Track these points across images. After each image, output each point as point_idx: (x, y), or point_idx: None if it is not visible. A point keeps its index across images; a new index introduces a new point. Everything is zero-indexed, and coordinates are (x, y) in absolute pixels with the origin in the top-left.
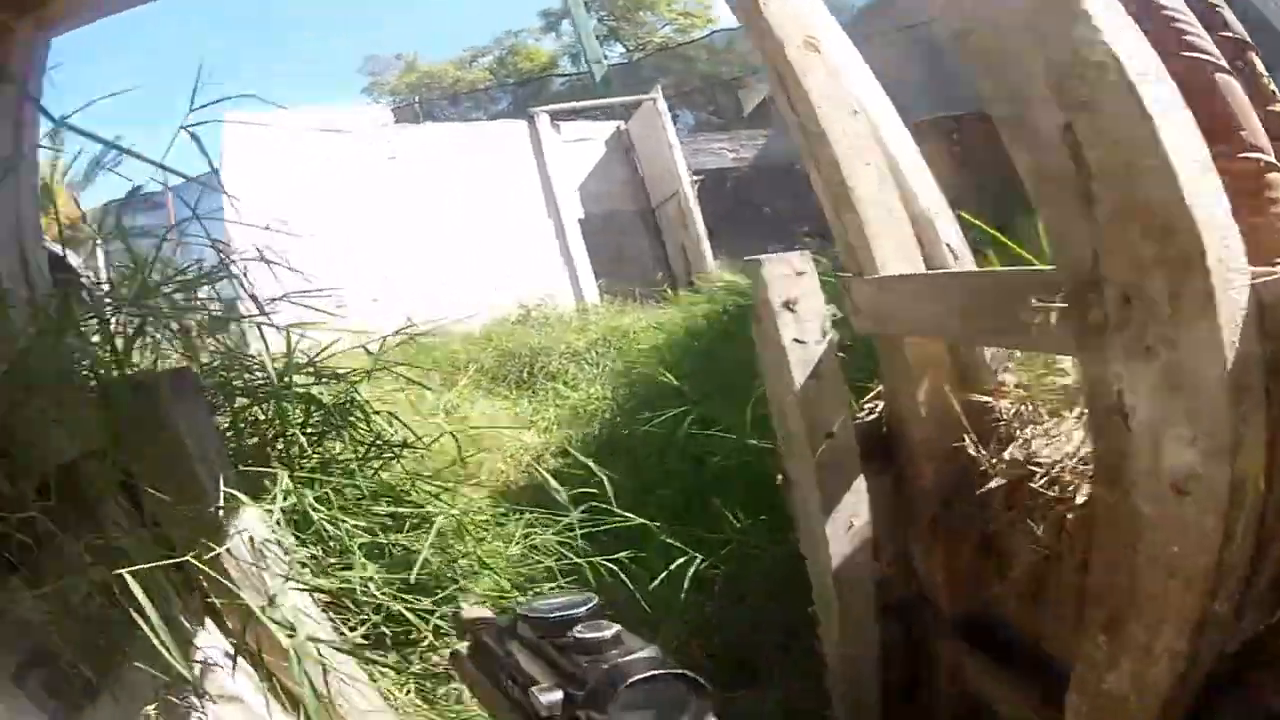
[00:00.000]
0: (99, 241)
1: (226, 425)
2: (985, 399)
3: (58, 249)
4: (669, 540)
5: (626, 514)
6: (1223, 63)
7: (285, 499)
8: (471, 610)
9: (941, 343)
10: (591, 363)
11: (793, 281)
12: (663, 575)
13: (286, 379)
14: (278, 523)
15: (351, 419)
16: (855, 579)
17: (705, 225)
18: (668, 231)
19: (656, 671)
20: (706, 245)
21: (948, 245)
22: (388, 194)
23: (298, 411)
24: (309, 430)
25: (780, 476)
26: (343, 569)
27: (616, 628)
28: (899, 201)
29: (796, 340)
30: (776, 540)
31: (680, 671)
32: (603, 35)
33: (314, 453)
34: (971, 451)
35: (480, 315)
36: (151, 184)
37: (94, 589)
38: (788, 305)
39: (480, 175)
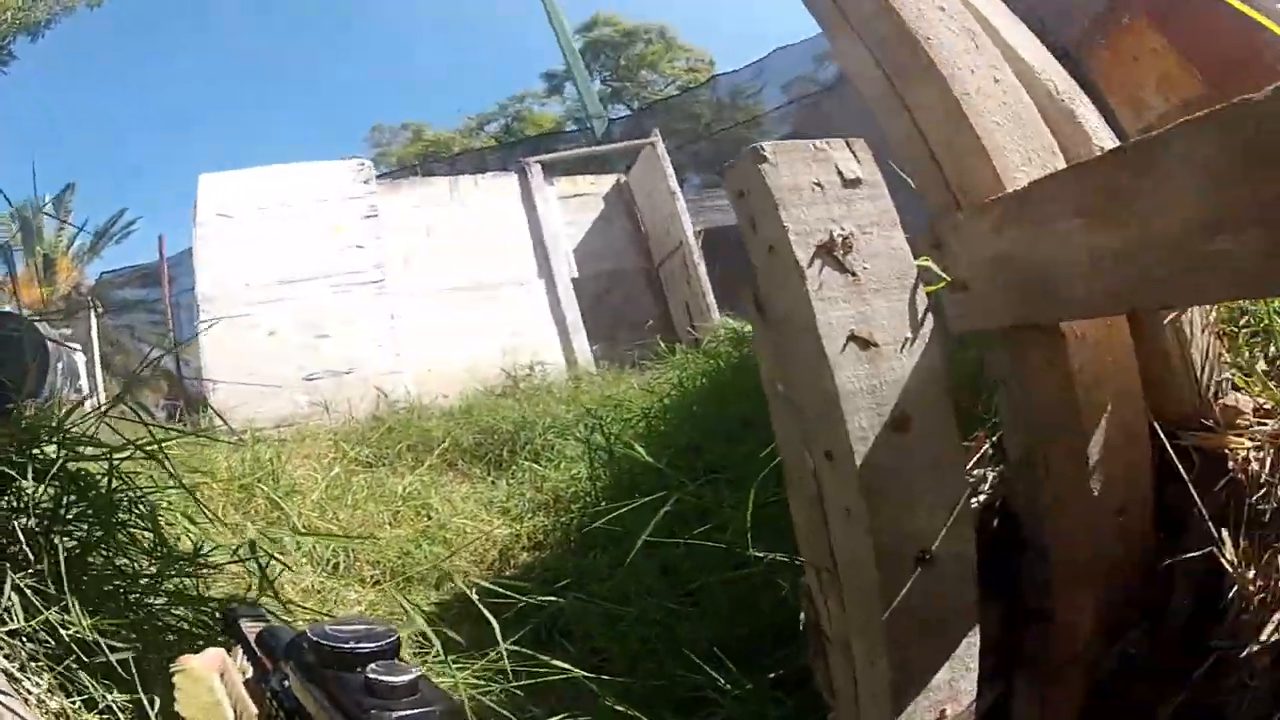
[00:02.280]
0: (99, 312)
1: None
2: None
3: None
4: (618, 706)
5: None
6: None
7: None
8: (247, 611)
9: (1126, 330)
10: (579, 438)
11: (839, 200)
12: None
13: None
14: None
15: (121, 514)
16: None
17: (710, 281)
18: (670, 288)
19: None
20: (712, 299)
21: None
22: (367, 252)
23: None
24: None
25: (804, 621)
26: None
27: (417, 671)
28: (1007, 69)
29: (859, 340)
30: (788, 709)
31: None
32: (606, 95)
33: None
34: (1226, 559)
35: (462, 382)
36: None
37: None
38: (829, 252)
39: (466, 232)
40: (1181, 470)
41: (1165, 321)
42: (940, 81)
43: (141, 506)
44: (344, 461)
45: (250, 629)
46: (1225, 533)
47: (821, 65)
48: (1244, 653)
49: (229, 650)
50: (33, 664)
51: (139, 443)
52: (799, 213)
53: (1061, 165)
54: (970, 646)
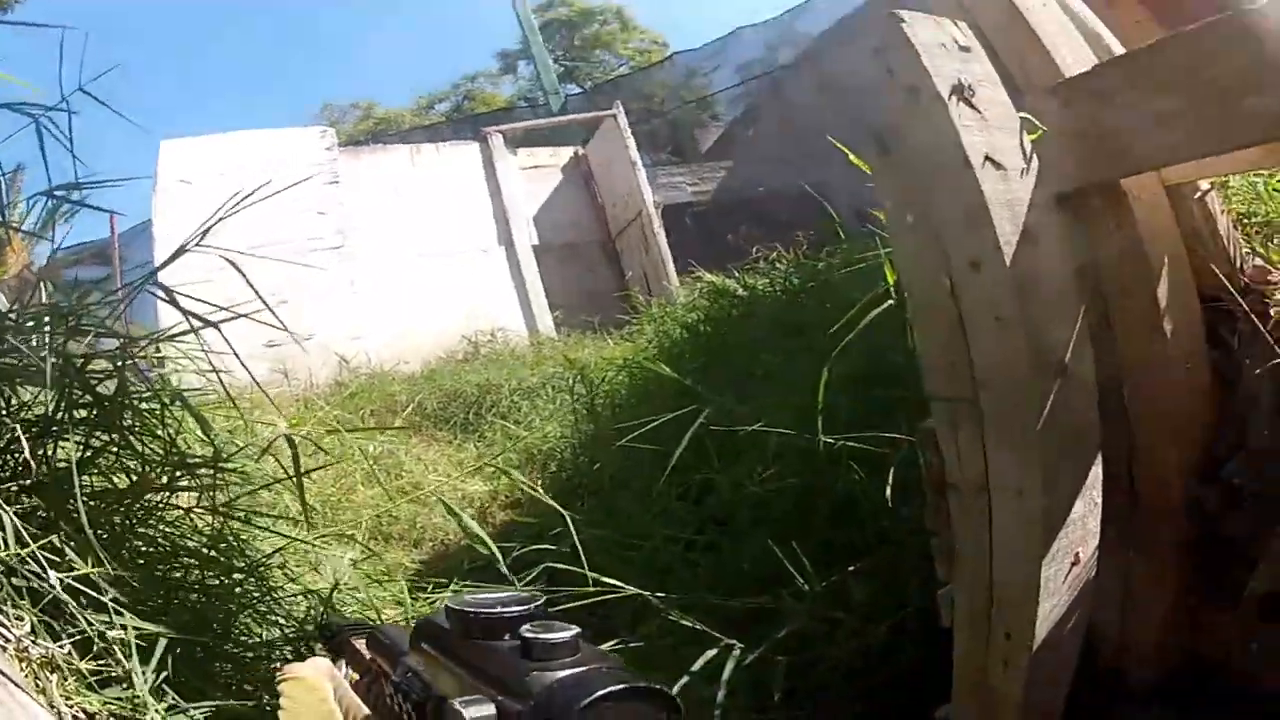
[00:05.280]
0: (49, 292)
1: None
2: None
3: None
4: (676, 618)
5: (607, 579)
6: None
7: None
8: (346, 623)
9: (1167, 200)
10: (547, 399)
11: (959, 58)
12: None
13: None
14: None
15: (135, 418)
16: (1065, 656)
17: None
18: (628, 258)
19: (625, 685)
20: (671, 268)
21: None
22: (329, 219)
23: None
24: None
25: (929, 477)
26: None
27: (575, 629)
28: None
29: (993, 162)
30: (868, 604)
31: (653, 687)
32: (560, 74)
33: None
34: None
35: (424, 350)
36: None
37: None
38: (960, 93)
39: (428, 200)
40: (1243, 304)
41: (1195, 198)
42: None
43: (151, 407)
44: (312, 424)
45: (355, 637)
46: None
47: (776, 49)
48: None
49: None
50: (18, 601)
51: (153, 336)
52: (937, 62)
53: None
54: (1098, 478)
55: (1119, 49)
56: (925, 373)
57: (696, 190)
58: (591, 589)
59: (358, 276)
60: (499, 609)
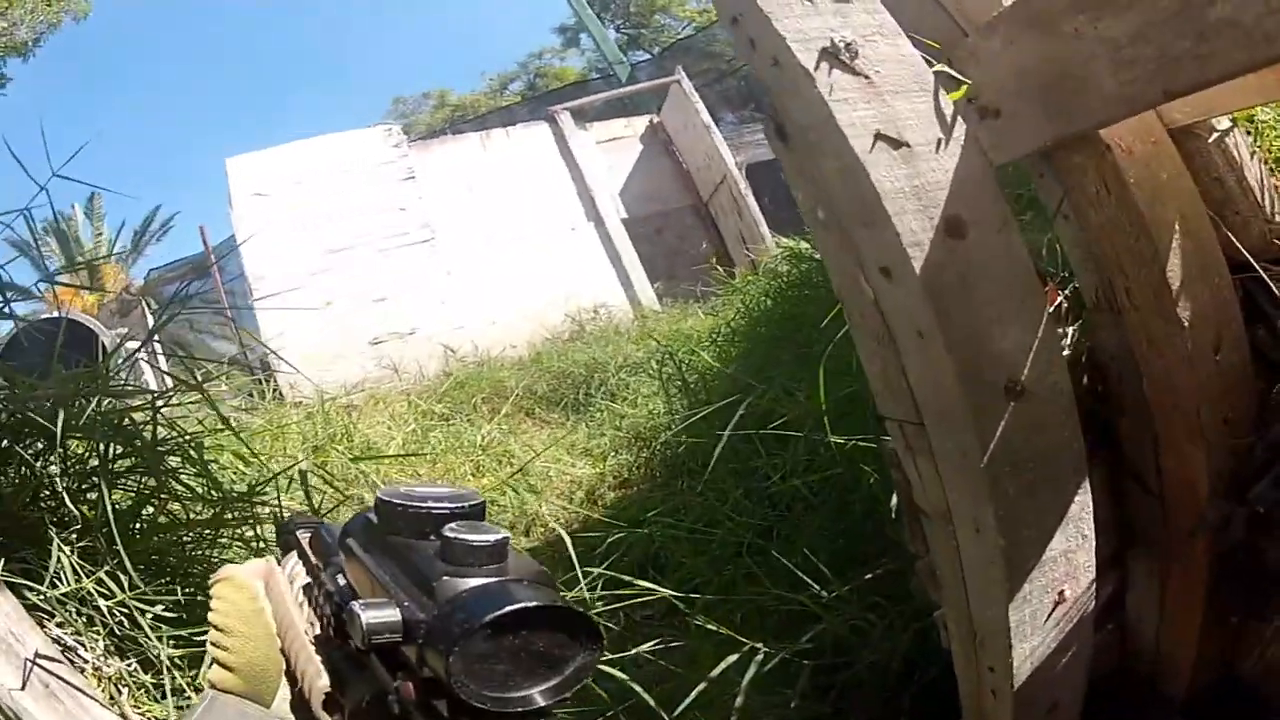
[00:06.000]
0: (151, 309)
1: None
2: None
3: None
4: (702, 623)
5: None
6: None
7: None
8: (303, 519)
9: (1172, 148)
10: (654, 374)
11: (833, 12)
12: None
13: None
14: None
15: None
16: (1065, 687)
17: (762, 213)
18: (722, 221)
19: (540, 604)
20: (765, 229)
21: None
22: (411, 214)
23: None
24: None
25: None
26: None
27: (504, 533)
28: None
29: (886, 139)
30: (897, 608)
31: (574, 609)
32: (623, 43)
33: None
34: None
35: (528, 332)
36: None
37: None
38: (833, 57)
39: (506, 184)
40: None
41: (1210, 141)
42: None
43: (190, 451)
44: (419, 417)
45: (302, 533)
46: None
47: None
48: None
49: (279, 561)
50: (90, 629)
51: (185, 383)
52: (794, 23)
53: None
54: (1084, 508)
55: None
56: (870, 385)
57: None
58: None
59: (453, 267)
60: (426, 504)
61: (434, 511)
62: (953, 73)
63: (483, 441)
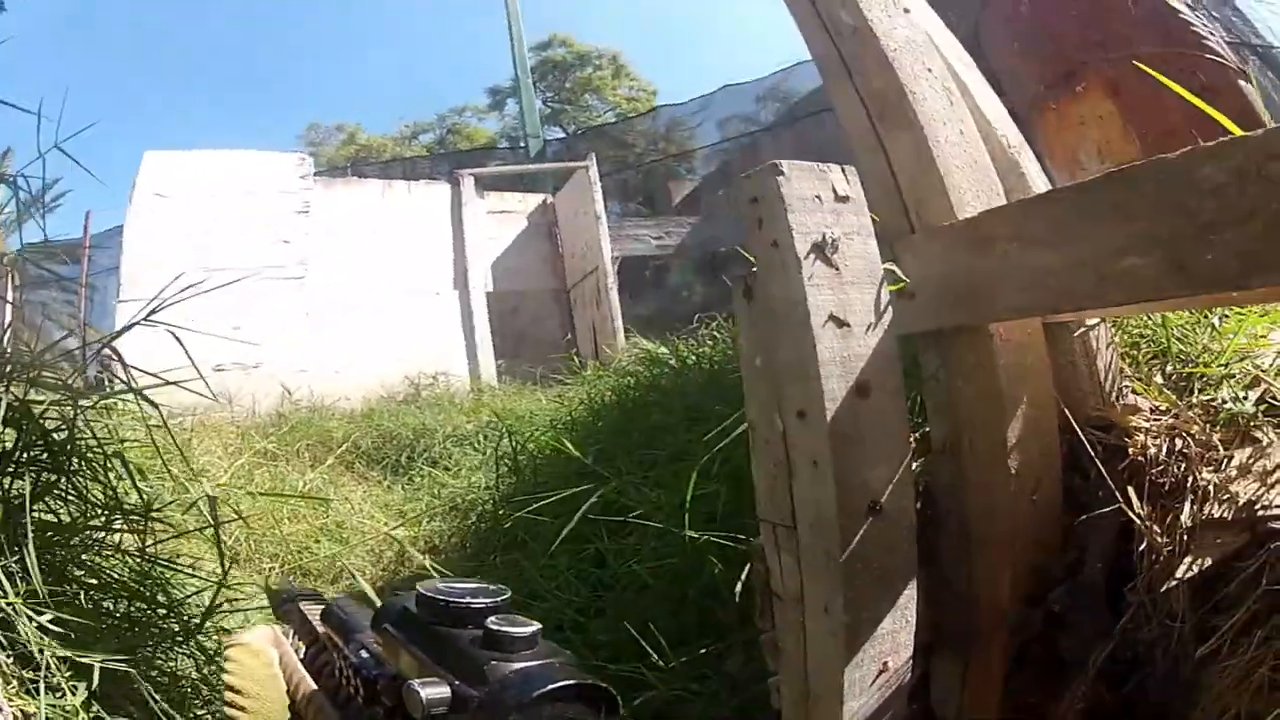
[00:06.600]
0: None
1: None
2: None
3: None
4: None
5: None
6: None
7: None
8: (300, 593)
9: (1042, 338)
10: (478, 448)
11: (831, 210)
12: None
13: None
14: None
15: (80, 463)
16: None
17: (620, 308)
18: (579, 310)
19: (574, 682)
20: (620, 323)
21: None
22: (293, 248)
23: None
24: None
25: (749, 580)
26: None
27: (536, 625)
28: (972, 122)
29: (836, 320)
30: (715, 684)
31: (599, 685)
32: (545, 116)
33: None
34: (1134, 513)
35: (367, 387)
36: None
37: None
38: (821, 250)
39: (393, 237)
40: (1091, 452)
41: (1075, 335)
42: (918, 130)
43: (96, 454)
44: (249, 453)
45: (310, 609)
46: (1131, 494)
47: (763, 106)
48: (1163, 587)
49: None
50: None
51: (116, 391)
52: (802, 218)
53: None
54: (910, 600)
55: (1038, 184)
56: (756, 494)
57: (660, 244)
58: None
59: (312, 309)
60: (469, 599)
61: (475, 607)
62: (898, 271)
63: (304, 487)
